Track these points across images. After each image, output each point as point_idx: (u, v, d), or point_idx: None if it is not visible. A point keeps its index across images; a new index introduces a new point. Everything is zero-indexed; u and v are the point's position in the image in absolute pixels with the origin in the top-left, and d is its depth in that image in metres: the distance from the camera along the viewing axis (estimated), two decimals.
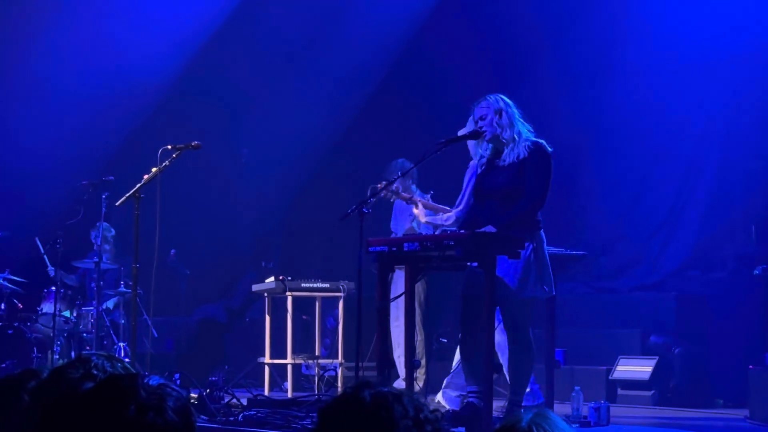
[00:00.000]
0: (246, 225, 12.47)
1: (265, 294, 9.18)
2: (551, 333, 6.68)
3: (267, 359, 9.06)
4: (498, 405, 6.32)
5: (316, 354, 9.16)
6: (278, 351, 9.09)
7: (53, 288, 9.81)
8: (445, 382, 7.38)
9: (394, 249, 5.96)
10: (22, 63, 11.33)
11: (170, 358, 10.96)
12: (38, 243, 10.15)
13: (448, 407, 6.89)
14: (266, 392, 8.71)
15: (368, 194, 6.79)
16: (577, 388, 6.82)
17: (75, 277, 10.56)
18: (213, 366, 10.12)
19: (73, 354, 9.46)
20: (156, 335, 9.62)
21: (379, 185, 7.02)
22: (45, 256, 10.16)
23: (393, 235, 8.11)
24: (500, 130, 5.99)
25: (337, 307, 9.14)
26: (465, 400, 6.27)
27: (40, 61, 11.30)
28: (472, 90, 7.26)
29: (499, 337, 6.09)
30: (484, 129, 6.03)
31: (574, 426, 6.45)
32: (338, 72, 11.69)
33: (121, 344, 9.68)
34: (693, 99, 9.98)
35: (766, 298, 8.71)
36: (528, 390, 6.45)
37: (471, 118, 6.27)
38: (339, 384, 8.75)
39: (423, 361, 7.64)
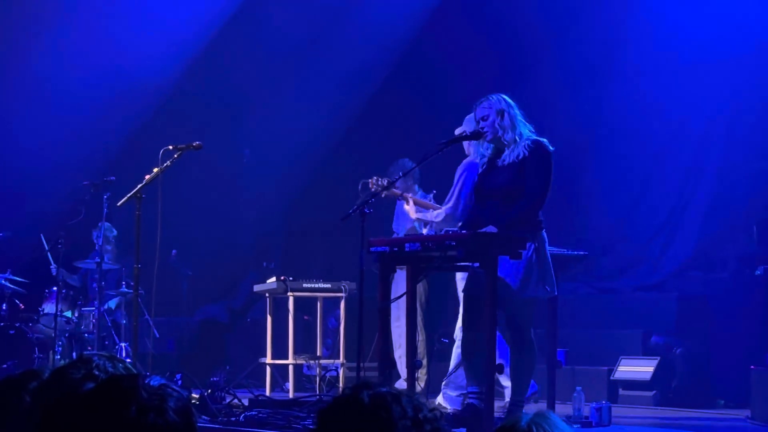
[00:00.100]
0: (247, 225, 12.46)
1: (267, 294, 9.18)
2: (553, 333, 6.68)
3: (268, 359, 9.06)
4: (499, 405, 6.33)
5: (318, 354, 9.15)
6: (279, 351, 9.09)
7: (55, 288, 9.82)
8: (444, 382, 7.38)
9: (396, 249, 5.96)
10: (22, 63, 11.33)
11: (172, 358, 10.96)
12: (43, 240, 10.10)
13: (448, 407, 6.90)
14: (268, 392, 8.70)
15: (359, 188, 6.78)
16: (578, 388, 6.82)
17: (77, 277, 10.57)
18: (214, 366, 10.13)
19: (74, 354, 9.44)
20: (157, 335, 9.62)
21: (370, 181, 7.01)
22: (48, 254, 10.15)
23: (394, 236, 8.11)
24: (501, 132, 5.98)
25: (339, 308, 9.13)
26: (465, 401, 6.27)
27: (41, 61, 11.30)
28: (473, 90, 7.27)
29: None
30: (485, 130, 6.03)
31: (575, 426, 6.45)
32: (339, 72, 11.69)
33: (123, 344, 9.67)
34: (694, 99, 9.98)
35: (767, 298, 8.70)
36: None
37: (468, 116, 6.25)
38: (340, 384, 8.75)
39: (424, 362, 7.65)
